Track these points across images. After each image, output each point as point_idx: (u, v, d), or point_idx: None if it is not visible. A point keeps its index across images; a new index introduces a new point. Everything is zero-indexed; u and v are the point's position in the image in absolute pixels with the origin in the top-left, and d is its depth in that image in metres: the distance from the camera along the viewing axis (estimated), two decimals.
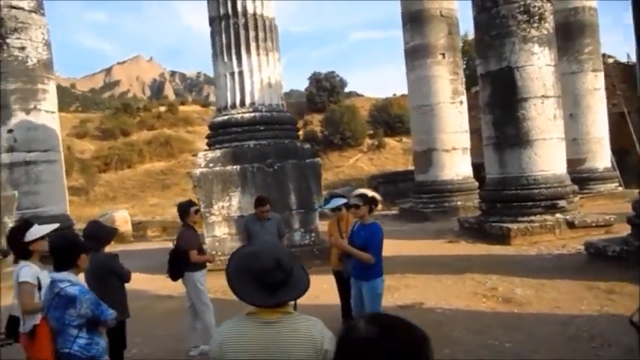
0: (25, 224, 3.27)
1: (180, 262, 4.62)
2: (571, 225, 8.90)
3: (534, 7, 9.28)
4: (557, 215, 9.02)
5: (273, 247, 1.85)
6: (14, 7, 11.24)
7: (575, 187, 9.73)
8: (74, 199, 23.86)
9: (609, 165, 14.41)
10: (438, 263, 7.73)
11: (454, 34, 14.00)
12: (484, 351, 4.28)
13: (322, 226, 9.23)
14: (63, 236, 2.95)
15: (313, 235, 8.83)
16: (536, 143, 9.21)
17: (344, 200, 4.83)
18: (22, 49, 11.33)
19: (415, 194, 14.00)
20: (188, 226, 4.78)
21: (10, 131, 11.14)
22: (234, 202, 8.62)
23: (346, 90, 42.01)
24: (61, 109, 17.17)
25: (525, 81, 9.22)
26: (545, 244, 8.47)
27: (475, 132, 14.63)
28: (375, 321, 0.94)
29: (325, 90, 37.23)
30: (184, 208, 4.82)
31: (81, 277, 3.01)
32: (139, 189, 30.79)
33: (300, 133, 15.41)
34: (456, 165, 13.67)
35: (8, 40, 11.17)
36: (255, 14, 9.00)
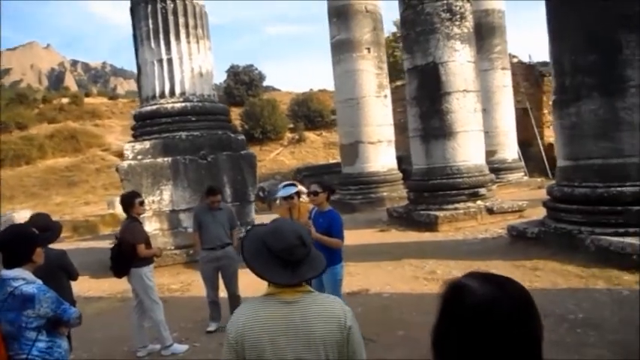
0: None
1: (126, 258, 4.31)
2: (490, 211, 9.58)
3: (456, 6, 9.82)
4: (479, 202, 9.66)
5: (292, 224, 1.80)
6: None
7: (493, 176, 10.49)
8: None
9: (516, 156, 15.74)
10: (374, 251, 7.94)
11: (379, 30, 14.39)
12: None
13: (256, 219, 9.13)
14: (14, 229, 2.62)
15: (249, 228, 8.66)
16: (459, 135, 9.77)
17: (296, 189, 4.80)
18: None
19: (343, 186, 14.25)
20: (133, 218, 4.45)
21: None
22: (166, 196, 8.23)
23: (264, 84, 41.64)
24: None
25: (449, 76, 9.73)
26: (469, 230, 9.05)
27: (396, 126, 15.22)
28: (486, 279, 0.94)
29: (244, 83, 36.58)
30: (128, 200, 4.49)
31: None
32: (40, 187, 28.14)
33: None
34: (382, 157, 14.10)
35: None
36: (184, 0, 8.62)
